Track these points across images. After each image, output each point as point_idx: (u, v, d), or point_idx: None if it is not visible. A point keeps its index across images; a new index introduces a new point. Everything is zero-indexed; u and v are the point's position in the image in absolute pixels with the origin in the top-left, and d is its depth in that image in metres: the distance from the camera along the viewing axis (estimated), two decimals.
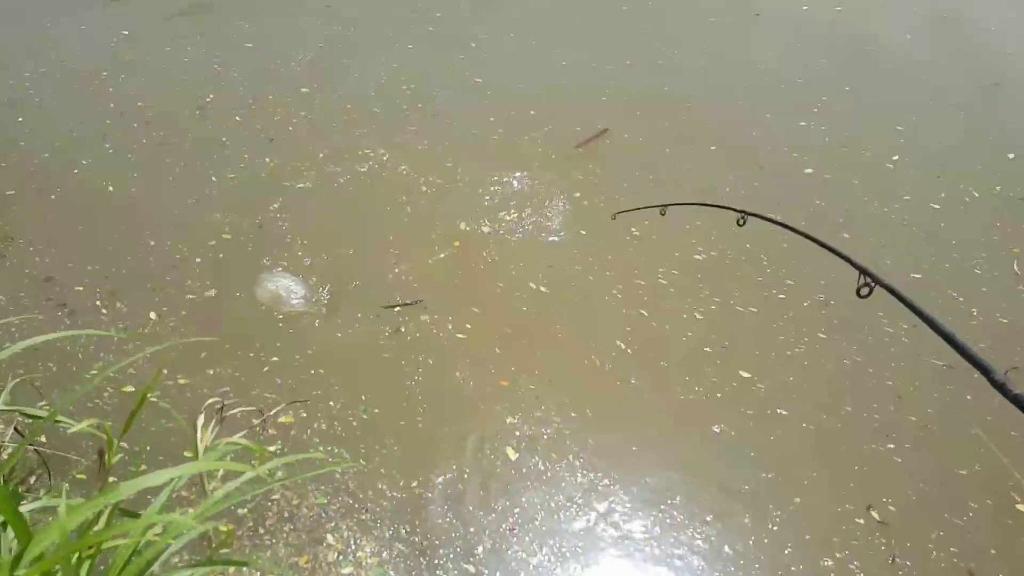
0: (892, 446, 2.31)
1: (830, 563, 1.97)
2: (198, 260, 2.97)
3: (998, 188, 3.59)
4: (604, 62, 4.56)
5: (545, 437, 2.28)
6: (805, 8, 5.41)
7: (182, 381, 2.40)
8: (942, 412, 2.45)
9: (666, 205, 2.14)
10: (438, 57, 4.59)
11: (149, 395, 1.27)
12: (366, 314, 2.74)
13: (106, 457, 1.28)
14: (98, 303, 2.76)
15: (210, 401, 2.22)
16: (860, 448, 2.31)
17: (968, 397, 2.47)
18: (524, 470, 2.17)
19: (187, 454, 2.07)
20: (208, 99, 4.07)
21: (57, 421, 1.33)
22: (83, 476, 2.10)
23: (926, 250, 3.21)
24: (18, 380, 2.13)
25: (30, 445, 1.96)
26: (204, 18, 5.03)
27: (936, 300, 2.93)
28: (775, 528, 2.02)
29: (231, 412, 2.17)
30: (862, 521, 2.07)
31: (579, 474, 2.16)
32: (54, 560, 0.92)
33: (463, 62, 4.54)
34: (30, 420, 1.77)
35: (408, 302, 2.79)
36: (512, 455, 2.18)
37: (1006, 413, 2.33)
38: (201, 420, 1.83)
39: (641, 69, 4.52)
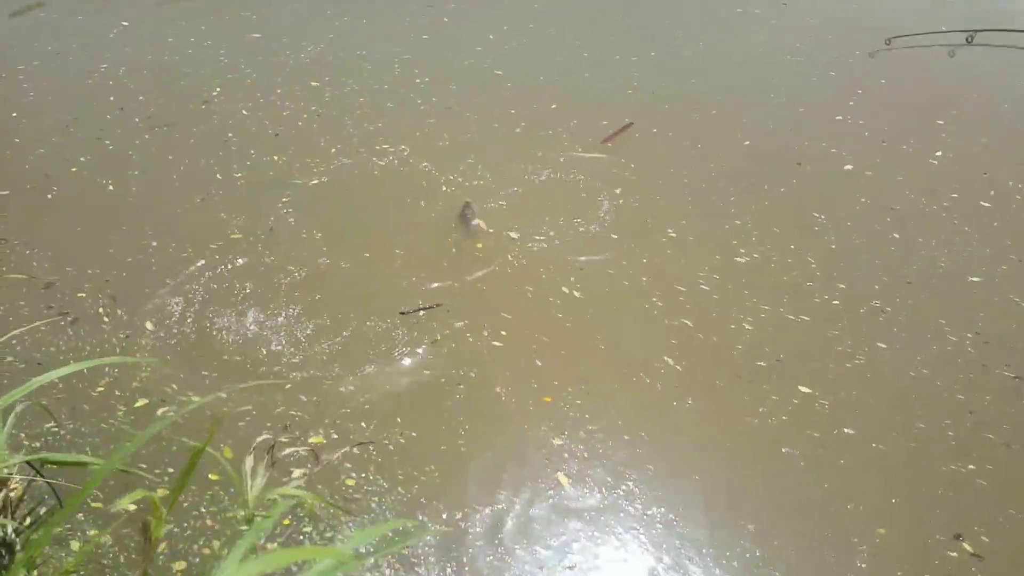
0: (972, 467, 2.11)
1: None
2: (201, 263, 2.74)
3: None
4: (628, 54, 4.34)
5: (598, 463, 2.06)
6: None
7: (195, 397, 2.18)
8: (1021, 428, 2.25)
9: None
10: (455, 49, 4.35)
11: (202, 452, 1.05)
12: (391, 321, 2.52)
13: (151, 532, 1.06)
14: (100, 310, 2.53)
15: (260, 439, 1.95)
16: (938, 470, 2.10)
17: None
18: (579, 500, 1.95)
19: (239, 513, 1.77)
20: (214, 93, 3.83)
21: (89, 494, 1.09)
22: (99, 506, 1.87)
23: (981, 251, 3.00)
24: (27, 404, 1.91)
25: (41, 478, 1.75)
26: (208, 8, 4.78)
27: (998, 305, 2.72)
28: (863, 565, 1.82)
29: (280, 452, 1.91)
30: (955, 554, 1.87)
31: (638, 504, 1.95)
32: None
33: (480, 54, 4.31)
34: (53, 466, 1.54)
35: (427, 306, 2.57)
36: (565, 482, 1.96)
37: None
38: (249, 463, 1.57)
39: (666, 61, 4.30)
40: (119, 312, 2.51)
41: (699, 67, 4.25)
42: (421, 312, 2.55)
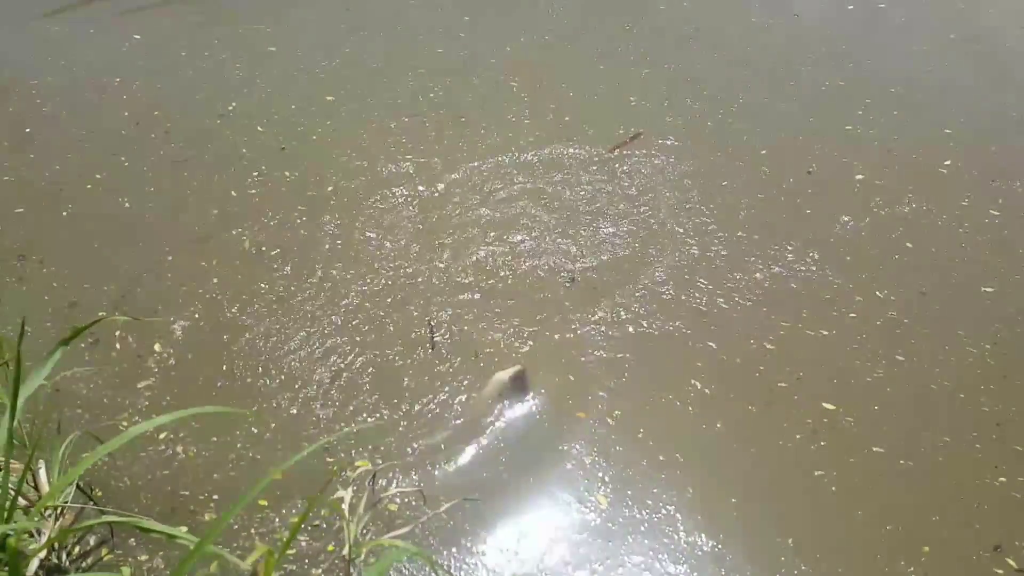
0: (1004, 479, 2.03)
1: None
2: (215, 281, 2.63)
3: None
4: (642, 66, 4.23)
5: (636, 482, 1.97)
6: (851, 7, 5.07)
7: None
8: None
9: None
10: (468, 61, 4.23)
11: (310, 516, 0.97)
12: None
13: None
14: (118, 332, 2.43)
15: (360, 470, 1.82)
16: (971, 484, 2.02)
17: None
18: (619, 520, 1.86)
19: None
20: (230, 108, 3.71)
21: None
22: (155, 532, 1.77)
23: (993, 261, 2.91)
24: (78, 433, 1.83)
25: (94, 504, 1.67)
26: (223, 22, 4.65)
27: (1014, 316, 2.63)
28: None
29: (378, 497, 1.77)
30: (1001, 572, 1.79)
31: (680, 529, 1.85)
32: None
33: (495, 66, 4.19)
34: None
35: (432, 337, 2.47)
36: (603, 503, 1.86)
37: None
38: (348, 497, 1.39)
39: (680, 71, 4.19)
40: (130, 330, 2.41)
41: (713, 78, 4.14)
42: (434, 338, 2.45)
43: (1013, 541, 1.87)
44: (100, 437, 1.74)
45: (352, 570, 1.58)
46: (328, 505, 1.65)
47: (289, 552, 1.73)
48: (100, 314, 2.48)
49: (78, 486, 1.83)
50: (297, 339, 2.42)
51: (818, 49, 4.49)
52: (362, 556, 1.60)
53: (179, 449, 2.06)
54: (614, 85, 4.04)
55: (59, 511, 1.75)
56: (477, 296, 2.62)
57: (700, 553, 1.82)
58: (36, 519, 1.54)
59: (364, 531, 1.73)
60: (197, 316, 2.49)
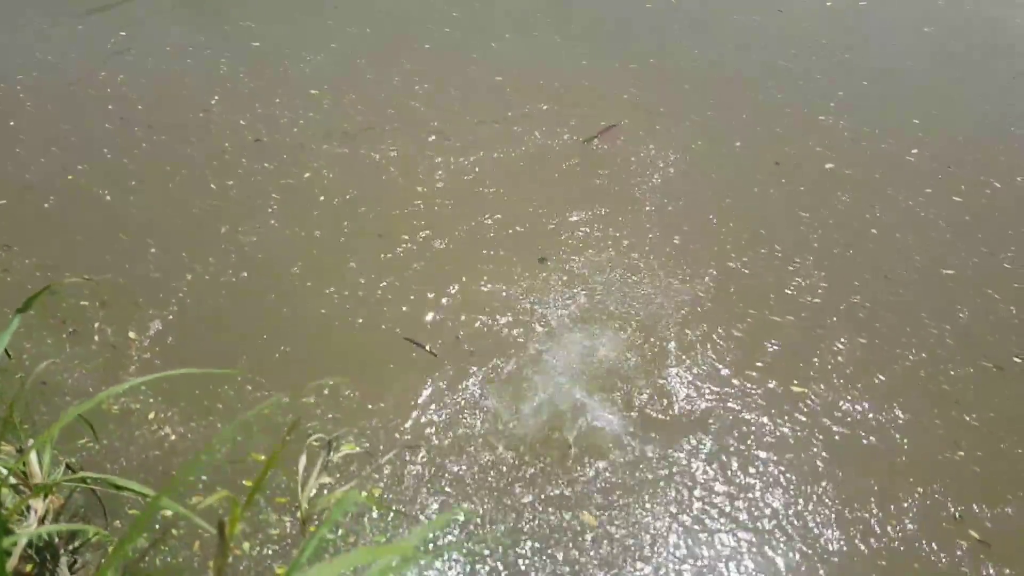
0: (962, 454, 2.03)
1: None
2: (196, 272, 2.59)
3: (1019, 179, 3.30)
4: (628, 61, 4.18)
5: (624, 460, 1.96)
6: (828, 4, 5.03)
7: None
8: (1006, 416, 2.16)
9: None
10: (456, 56, 4.17)
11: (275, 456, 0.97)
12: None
13: (227, 531, 0.96)
14: (97, 324, 2.38)
15: (313, 438, 1.86)
16: (933, 459, 2.02)
17: None
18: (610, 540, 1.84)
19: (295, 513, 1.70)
20: (213, 102, 3.64)
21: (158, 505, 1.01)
22: (136, 512, 1.79)
23: (954, 245, 2.91)
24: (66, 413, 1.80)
25: (83, 484, 1.67)
26: (208, 18, 4.55)
27: (974, 299, 2.63)
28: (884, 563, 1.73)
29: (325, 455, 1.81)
30: (965, 543, 1.81)
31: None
32: None
33: (481, 61, 4.13)
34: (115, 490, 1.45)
35: (421, 347, 2.44)
36: (592, 521, 1.84)
37: None
38: (303, 463, 1.48)
39: (664, 67, 4.15)
40: (111, 321, 2.36)
41: (695, 73, 4.10)
42: (425, 348, 2.41)
43: (973, 513, 1.88)
44: (88, 420, 1.73)
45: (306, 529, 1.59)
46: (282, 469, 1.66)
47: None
48: (82, 303, 2.43)
49: (67, 465, 1.81)
50: (280, 330, 2.39)
51: (798, 43, 4.46)
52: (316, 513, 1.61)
53: (168, 430, 2.04)
54: (598, 78, 4.00)
55: (49, 492, 1.72)
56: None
57: None
58: (27, 497, 1.51)
59: (320, 492, 1.72)
60: (177, 308, 2.45)
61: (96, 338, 2.33)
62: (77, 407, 1.35)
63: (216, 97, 3.67)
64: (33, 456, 1.72)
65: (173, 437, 2.03)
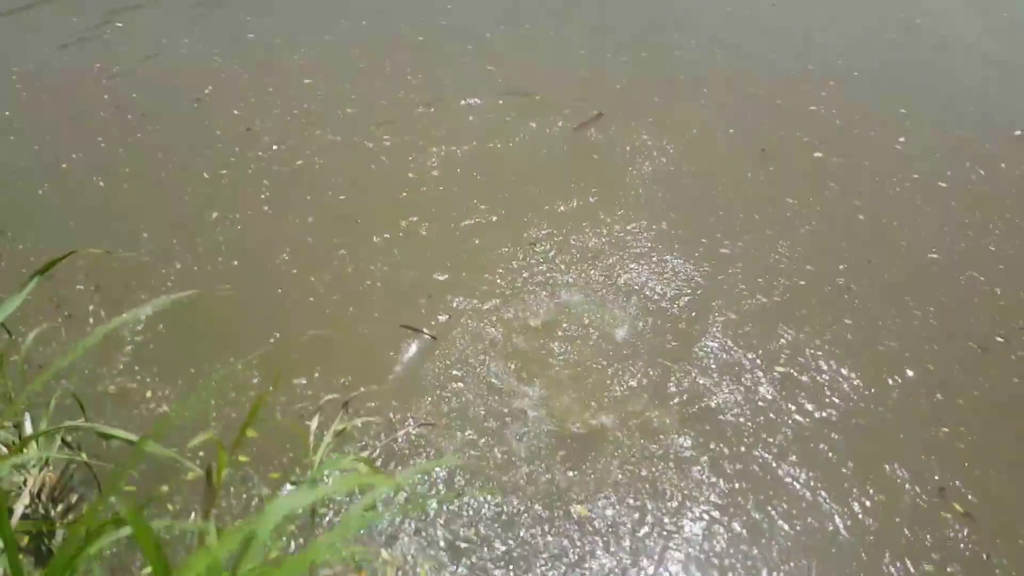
0: (946, 430, 2.05)
1: (929, 567, 1.72)
2: (188, 259, 2.59)
3: (1003, 165, 3.31)
4: (620, 52, 4.18)
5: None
6: None
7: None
8: (989, 394, 2.18)
9: None
10: (449, 47, 4.16)
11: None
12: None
13: (215, 476, 0.97)
14: (91, 307, 2.38)
15: (328, 398, 1.88)
16: (918, 436, 2.04)
17: (1015, 380, 2.20)
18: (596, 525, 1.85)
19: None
20: (206, 91, 3.64)
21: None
22: (132, 488, 1.79)
23: (940, 229, 2.92)
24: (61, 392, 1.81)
25: (78, 458, 1.68)
26: (203, 9, 4.54)
27: (958, 280, 2.65)
28: (872, 532, 1.74)
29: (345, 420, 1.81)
30: (949, 516, 1.83)
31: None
32: None
33: (474, 52, 4.12)
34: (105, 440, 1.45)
35: (425, 330, 2.44)
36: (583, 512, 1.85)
37: None
38: (315, 424, 1.47)
39: (657, 59, 4.15)
40: (105, 305, 2.37)
41: (688, 64, 4.11)
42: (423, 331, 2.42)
43: (957, 487, 1.91)
44: (80, 399, 1.73)
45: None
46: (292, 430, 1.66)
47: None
48: (78, 287, 2.43)
49: (63, 441, 1.81)
50: (272, 316, 2.39)
51: (790, 36, 4.47)
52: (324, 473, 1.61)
53: (165, 408, 2.04)
54: (589, 68, 4.00)
55: (44, 463, 1.72)
56: None
57: None
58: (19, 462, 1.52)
59: (328, 455, 1.74)
60: (168, 290, 2.45)
61: (91, 320, 2.33)
62: (101, 328, 1.25)
63: (210, 87, 3.66)
64: (28, 428, 1.73)
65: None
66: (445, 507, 1.76)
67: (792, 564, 1.73)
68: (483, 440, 1.98)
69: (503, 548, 1.70)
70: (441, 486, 1.84)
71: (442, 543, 1.69)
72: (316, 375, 2.14)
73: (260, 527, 0.64)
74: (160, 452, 1.03)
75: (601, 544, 1.73)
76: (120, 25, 4.30)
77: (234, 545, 0.67)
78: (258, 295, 2.45)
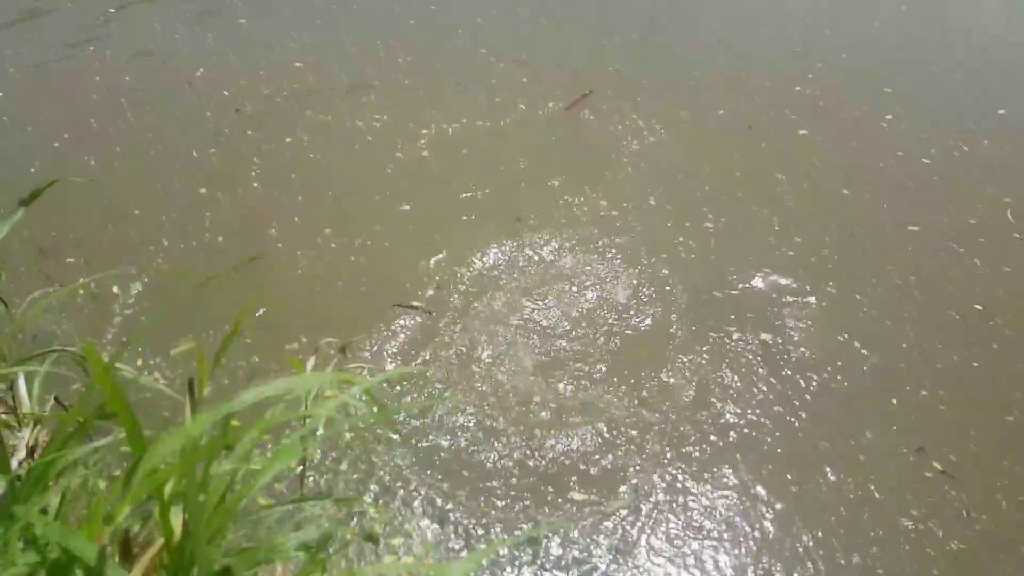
0: (925, 393, 2.08)
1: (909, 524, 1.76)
2: (177, 234, 2.59)
3: (986, 143, 3.33)
4: (613, 35, 4.18)
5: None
6: None
7: None
8: (968, 359, 2.20)
9: None
10: (441, 30, 4.15)
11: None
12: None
13: (196, 388, 0.97)
14: (82, 279, 2.38)
15: (326, 341, 1.90)
16: (898, 397, 2.07)
17: (993, 346, 2.22)
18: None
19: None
20: (198, 74, 3.63)
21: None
22: (126, 448, 1.78)
23: (921, 203, 2.94)
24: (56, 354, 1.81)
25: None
26: None
27: (939, 252, 2.67)
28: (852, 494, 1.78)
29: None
30: (929, 474, 1.86)
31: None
32: (175, 468, 0.73)
33: (465, 36, 4.11)
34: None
35: (416, 306, 2.44)
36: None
37: None
38: (312, 363, 1.44)
39: (649, 41, 4.15)
40: (96, 279, 2.37)
41: (678, 47, 4.10)
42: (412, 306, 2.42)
43: (936, 446, 1.94)
44: (76, 359, 1.73)
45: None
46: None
47: None
48: (68, 260, 2.44)
49: (56, 400, 1.81)
50: (259, 292, 2.39)
51: (781, 20, 4.47)
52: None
53: (157, 375, 2.05)
54: (582, 53, 4.00)
55: (37, 424, 1.73)
56: None
57: None
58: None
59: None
60: (159, 266, 2.46)
61: (81, 292, 2.34)
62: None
63: (201, 70, 3.65)
64: (21, 386, 1.74)
65: (163, 382, 2.03)
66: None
67: (776, 521, 1.75)
68: (475, 371, 1.99)
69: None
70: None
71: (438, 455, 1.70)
72: (304, 340, 2.15)
73: (234, 407, 0.66)
74: (126, 369, 1.03)
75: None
76: (112, 10, 4.28)
77: (209, 422, 0.69)
78: (246, 270, 2.45)
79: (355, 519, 1.61)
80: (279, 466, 0.78)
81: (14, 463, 1.54)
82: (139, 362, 2.10)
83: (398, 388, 2.02)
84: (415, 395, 1.98)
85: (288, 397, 0.96)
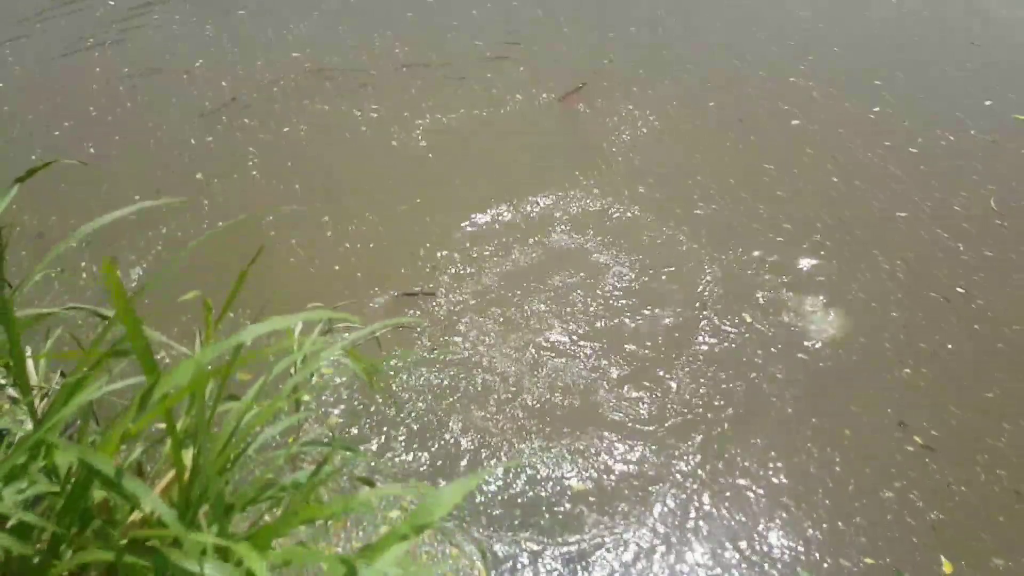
0: (908, 371, 2.13)
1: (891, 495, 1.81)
2: (175, 221, 2.61)
3: (972, 132, 3.38)
4: (608, 28, 4.21)
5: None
6: None
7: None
8: (949, 339, 2.25)
9: None
10: (438, 22, 4.18)
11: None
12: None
13: (204, 335, 1.00)
14: (83, 263, 2.41)
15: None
16: (881, 376, 2.12)
17: (975, 327, 2.27)
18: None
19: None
20: (196, 64, 3.65)
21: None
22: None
23: (909, 190, 2.99)
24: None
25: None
26: None
27: (924, 237, 2.72)
28: (838, 467, 1.83)
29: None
30: (911, 448, 1.92)
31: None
32: (186, 390, 0.77)
33: (460, 27, 4.14)
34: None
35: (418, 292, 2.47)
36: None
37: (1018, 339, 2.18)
38: (299, 326, 1.43)
39: (643, 34, 4.19)
40: (96, 261, 2.40)
41: (674, 39, 4.15)
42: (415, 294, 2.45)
43: (919, 422, 1.99)
44: (77, 337, 1.75)
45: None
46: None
47: None
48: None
49: (62, 374, 1.83)
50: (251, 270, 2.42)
51: (775, 15, 4.51)
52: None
53: (163, 353, 2.08)
54: (578, 47, 4.03)
55: (44, 393, 1.75)
56: None
57: None
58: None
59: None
60: (155, 255, 2.48)
61: (84, 275, 2.36)
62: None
63: (200, 60, 3.67)
64: (29, 363, 1.76)
65: (168, 361, 2.05)
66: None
67: (764, 492, 1.79)
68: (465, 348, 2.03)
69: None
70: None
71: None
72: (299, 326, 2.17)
73: (242, 337, 0.69)
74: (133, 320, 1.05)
75: None
76: (112, 3, 4.29)
77: (217, 352, 0.72)
78: (242, 258, 2.47)
79: (352, 464, 1.65)
80: (281, 404, 0.82)
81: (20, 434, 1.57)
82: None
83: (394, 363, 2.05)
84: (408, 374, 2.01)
85: (286, 344, 1.00)
